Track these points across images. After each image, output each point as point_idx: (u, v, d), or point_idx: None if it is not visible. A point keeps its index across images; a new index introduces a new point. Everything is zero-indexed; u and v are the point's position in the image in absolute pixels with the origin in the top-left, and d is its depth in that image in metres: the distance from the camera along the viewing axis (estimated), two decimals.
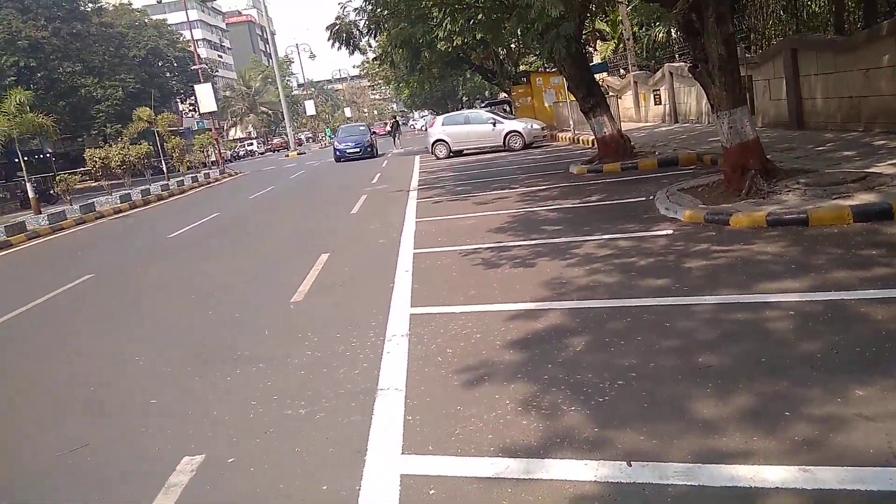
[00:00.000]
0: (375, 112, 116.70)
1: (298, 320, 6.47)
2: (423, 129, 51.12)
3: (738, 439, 3.19)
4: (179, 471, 3.74)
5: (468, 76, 45.64)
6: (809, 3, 17.28)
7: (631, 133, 17.32)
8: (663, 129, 21.44)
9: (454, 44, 22.25)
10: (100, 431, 4.57)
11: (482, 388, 4.22)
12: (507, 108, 31.71)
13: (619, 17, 27.80)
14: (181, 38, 57.18)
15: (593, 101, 15.25)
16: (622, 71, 29.94)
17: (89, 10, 48.10)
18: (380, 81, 60.40)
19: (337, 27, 18.20)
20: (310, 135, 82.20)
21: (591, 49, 32.63)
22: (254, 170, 39.35)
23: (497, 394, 4.10)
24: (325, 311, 6.66)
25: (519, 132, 23.99)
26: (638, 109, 26.49)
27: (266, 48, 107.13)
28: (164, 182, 29.76)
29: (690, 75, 11.54)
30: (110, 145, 33.44)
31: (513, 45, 30.53)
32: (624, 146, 14.91)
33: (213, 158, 44.19)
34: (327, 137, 63.26)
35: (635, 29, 28.06)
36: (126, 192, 26.26)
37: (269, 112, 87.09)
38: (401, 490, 3.23)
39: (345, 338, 5.63)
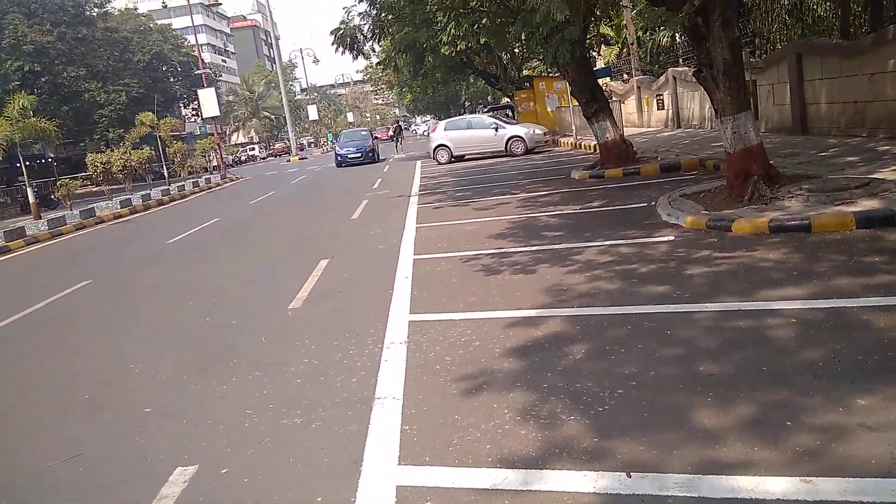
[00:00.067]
0: (378, 117, 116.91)
1: (296, 327, 6.42)
2: (425, 134, 51.15)
3: (739, 449, 3.13)
4: (172, 482, 3.69)
5: (471, 81, 45.74)
6: (815, 7, 17.24)
7: (633, 138, 17.29)
8: (666, 134, 21.39)
9: (458, 48, 22.23)
10: (93, 440, 4.53)
11: (481, 397, 4.17)
12: (510, 113, 31.71)
13: (623, 22, 27.78)
14: (185, 43, 57.32)
15: (596, 106, 15.21)
16: (625, 76, 29.91)
17: (95, 14, 48.27)
18: (383, 86, 60.45)
19: (341, 32, 18.19)
20: (312, 140, 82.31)
21: (594, 54, 32.63)
22: (255, 175, 39.38)
23: (496, 403, 4.05)
24: (324, 318, 6.61)
25: (521, 137, 23.95)
26: (641, 114, 26.45)
27: (270, 53, 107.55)
28: (166, 187, 29.78)
29: (694, 80, 11.51)
30: (112, 150, 33.46)
31: (516, 50, 30.55)
32: (626, 151, 14.87)
33: (214, 163, 44.25)
34: (329, 142, 63.32)
35: (639, 33, 28.05)
36: (127, 197, 26.27)
37: (272, 117, 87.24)
38: (397, 502, 3.17)
39: (343, 345, 5.58)
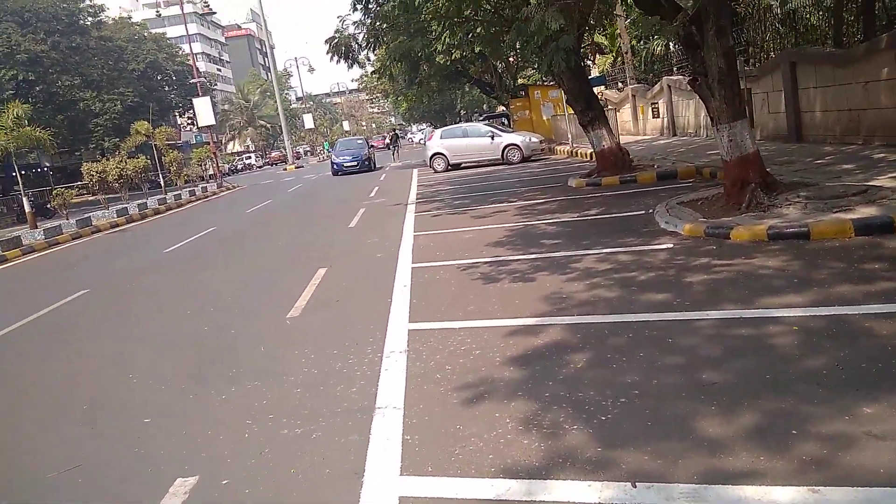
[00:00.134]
0: (374, 125, 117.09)
1: (295, 336, 6.39)
2: (421, 142, 51.26)
3: (744, 459, 3.11)
4: (172, 493, 3.65)
5: (466, 89, 45.90)
6: (808, 16, 17.35)
7: (629, 146, 17.32)
8: (661, 142, 21.45)
9: (453, 57, 22.33)
10: (92, 451, 4.48)
11: (482, 406, 4.14)
12: (506, 122, 31.79)
13: (618, 31, 27.94)
14: (180, 52, 57.37)
15: (592, 114, 15.24)
16: (620, 84, 30.06)
17: (89, 23, 48.27)
18: (378, 95, 60.58)
19: (336, 40, 18.20)
20: (308, 148, 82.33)
21: (589, 62, 32.76)
22: (251, 183, 39.32)
23: (497, 412, 4.02)
24: (323, 327, 6.58)
25: (517, 145, 23.99)
26: (636, 122, 26.54)
27: (265, 62, 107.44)
28: (162, 196, 29.71)
29: (689, 88, 11.55)
30: (108, 159, 33.44)
31: (511, 59, 30.65)
32: (622, 159, 14.90)
33: (210, 172, 44.20)
34: (325, 151, 63.34)
35: (634, 42, 28.20)
36: (123, 206, 26.19)
37: (268, 126, 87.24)
38: None
39: (342, 354, 5.55)
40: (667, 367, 4.26)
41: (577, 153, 21.90)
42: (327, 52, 18.65)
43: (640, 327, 5.07)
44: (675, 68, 24.11)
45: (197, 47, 76.68)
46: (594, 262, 7.33)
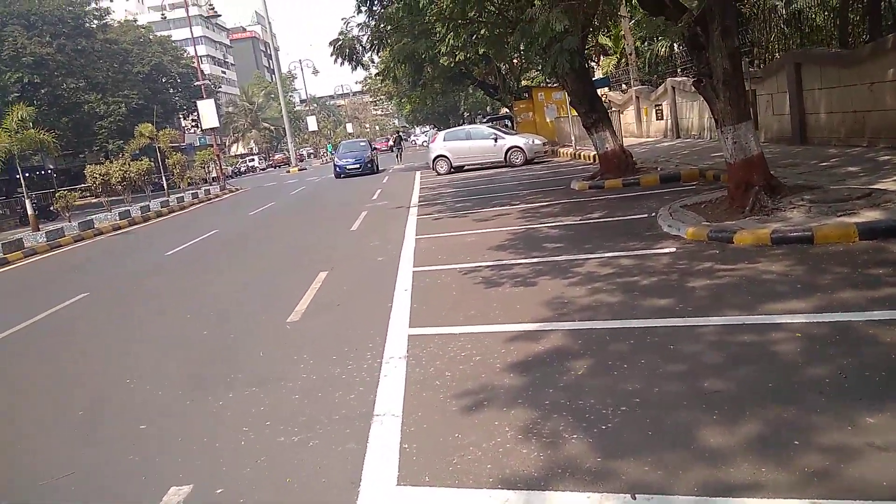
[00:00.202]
0: (377, 128, 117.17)
1: (294, 341, 6.35)
2: (425, 144, 51.22)
3: (746, 470, 3.05)
4: (166, 502, 3.61)
5: (470, 91, 45.83)
6: (813, 16, 17.26)
7: (633, 148, 17.26)
8: (665, 144, 21.38)
9: (456, 59, 22.29)
10: (86, 458, 4.44)
11: (481, 414, 4.09)
12: (509, 124, 31.74)
13: (622, 32, 27.86)
14: (185, 55, 57.41)
15: (595, 116, 15.19)
16: (624, 86, 29.97)
17: (94, 26, 48.32)
18: (382, 97, 60.52)
19: (340, 43, 18.14)
20: (311, 150, 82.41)
21: (593, 64, 32.70)
22: (255, 186, 39.37)
23: (497, 420, 3.97)
24: (322, 332, 6.53)
25: (520, 148, 23.94)
26: (640, 124, 26.46)
27: (269, 64, 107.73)
28: (165, 198, 29.74)
29: (693, 90, 11.48)
30: (112, 161, 33.45)
31: (515, 61, 30.59)
32: (626, 162, 14.83)
33: (214, 174, 44.22)
34: (329, 153, 63.38)
35: (638, 44, 28.13)
36: (126, 208, 26.22)
37: (271, 128, 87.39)
38: None
39: (341, 360, 5.51)
40: (668, 375, 4.21)
41: (580, 155, 21.85)
42: (331, 55, 18.60)
43: (642, 333, 5.02)
44: (679, 70, 24.02)
45: (202, 50, 76.92)
46: (596, 267, 7.28)
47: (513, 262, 8.21)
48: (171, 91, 56.85)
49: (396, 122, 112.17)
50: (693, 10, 9.00)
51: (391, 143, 50.47)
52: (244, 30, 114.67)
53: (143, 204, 27.15)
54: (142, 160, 33.06)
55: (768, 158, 9.24)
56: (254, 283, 9.78)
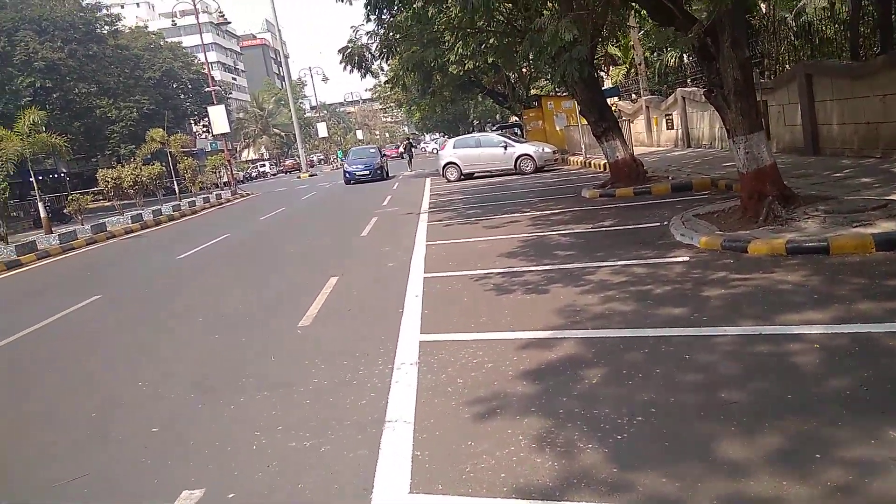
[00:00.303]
0: (387, 134, 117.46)
1: (305, 346, 6.33)
2: (434, 151, 51.31)
3: (766, 483, 3.00)
4: None
5: (479, 99, 45.85)
6: (823, 28, 17.21)
7: (643, 157, 17.21)
8: (676, 153, 21.31)
9: (466, 67, 22.36)
10: (99, 461, 4.43)
11: (494, 422, 4.06)
12: (518, 132, 31.74)
13: (631, 42, 27.87)
14: (196, 61, 57.79)
15: (605, 125, 15.16)
16: (634, 95, 29.95)
17: (105, 32, 48.69)
18: (391, 104, 60.73)
19: (349, 50, 18.17)
20: (322, 157, 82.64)
21: (602, 73, 32.69)
22: (265, 191, 39.47)
23: (510, 428, 3.93)
24: (333, 337, 6.51)
25: (530, 156, 23.93)
26: (650, 134, 26.42)
27: (279, 71, 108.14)
28: (176, 203, 29.86)
29: (703, 100, 11.43)
30: (123, 165, 33.65)
31: (524, 69, 30.61)
32: (637, 171, 14.78)
33: (225, 179, 44.38)
34: (339, 159, 63.54)
35: (647, 54, 28.11)
36: (138, 212, 26.33)
37: (282, 134, 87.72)
38: None
39: (352, 365, 5.48)
40: (684, 385, 4.16)
41: (590, 164, 21.80)
42: (340, 62, 18.62)
43: (657, 343, 4.97)
44: (688, 80, 23.97)
45: (212, 56, 77.44)
46: (609, 275, 7.23)
47: (524, 269, 8.18)
48: (182, 97, 57.21)
49: (406, 129, 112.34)
50: (703, 21, 8.98)
51: (402, 149, 50.57)
52: (254, 37, 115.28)
53: (154, 208, 27.24)
54: (153, 165, 33.26)
55: (781, 169, 9.18)
56: (264, 287, 9.77)
